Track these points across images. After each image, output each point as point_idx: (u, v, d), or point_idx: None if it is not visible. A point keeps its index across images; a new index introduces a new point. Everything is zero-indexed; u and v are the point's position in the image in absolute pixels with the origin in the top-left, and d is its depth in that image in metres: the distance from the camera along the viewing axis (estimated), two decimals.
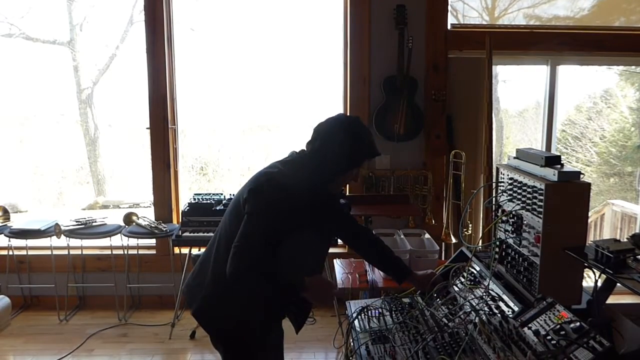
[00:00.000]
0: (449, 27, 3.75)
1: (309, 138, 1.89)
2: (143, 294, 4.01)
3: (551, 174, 1.67)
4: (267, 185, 1.77)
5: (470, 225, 3.67)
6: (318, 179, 1.82)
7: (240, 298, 1.79)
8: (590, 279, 1.72)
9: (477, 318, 1.61)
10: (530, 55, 3.86)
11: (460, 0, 4.06)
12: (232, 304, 1.82)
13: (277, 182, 1.77)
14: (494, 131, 3.65)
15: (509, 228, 1.89)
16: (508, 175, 1.93)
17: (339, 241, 3.47)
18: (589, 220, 2.87)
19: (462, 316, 1.70)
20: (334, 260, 2.83)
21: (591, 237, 5.12)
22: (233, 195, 3.70)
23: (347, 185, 3.85)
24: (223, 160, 6.93)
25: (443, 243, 3.71)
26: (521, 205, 1.80)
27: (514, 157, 1.95)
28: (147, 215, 3.90)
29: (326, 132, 1.83)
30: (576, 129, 5.84)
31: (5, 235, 3.68)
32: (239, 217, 1.76)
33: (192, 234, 3.50)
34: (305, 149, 1.89)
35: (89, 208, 6.99)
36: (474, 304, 1.73)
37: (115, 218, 3.99)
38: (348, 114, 1.85)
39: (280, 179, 1.78)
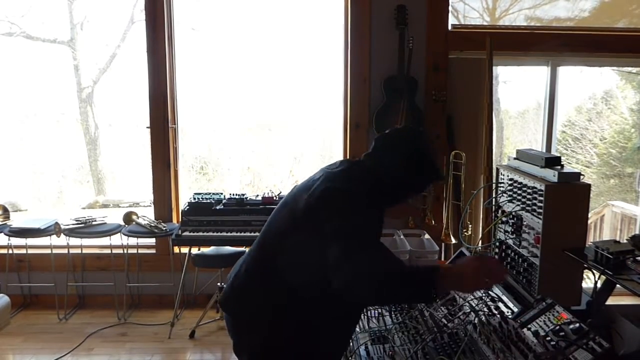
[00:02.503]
0: (449, 27, 3.75)
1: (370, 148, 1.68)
2: (143, 293, 4.01)
3: (551, 175, 1.67)
4: (344, 208, 1.51)
5: (470, 225, 3.67)
6: (384, 201, 1.62)
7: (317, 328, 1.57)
8: (590, 280, 1.73)
9: (476, 319, 1.61)
10: (530, 56, 3.86)
11: (461, 0, 4.06)
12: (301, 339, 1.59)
13: (356, 203, 1.52)
14: (494, 132, 3.65)
15: (509, 229, 1.90)
16: (508, 176, 1.93)
17: None
18: (589, 222, 2.87)
19: (461, 317, 1.70)
20: None
21: (591, 238, 5.11)
22: (233, 194, 3.70)
23: None
24: (223, 160, 6.92)
25: (443, 243, 3.70)
26: (521, 206, 1.80)
27: (514, 158, 1.96)
28: (147, 214, 3.90)
29: (394, 149, 1.63)
30: (576, 130, 5.84)
31: (5, 234, 3.68)
32: (299, 233, 1.55)
33: (192, 234, 3.50)
34: (363, 160, 1.68)
35: (89, 207, 6.98)
36: (474, 305, 1.73)
37: (115, 217, 3.98)
38: (414, 128, 1.61)
39: (357, 199, 1.53)
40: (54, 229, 3.63)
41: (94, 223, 3.79)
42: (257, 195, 3.71)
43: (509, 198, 1.91)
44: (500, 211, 1.99)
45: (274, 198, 3.63)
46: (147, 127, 3.91)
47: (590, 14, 4.21)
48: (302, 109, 5.81)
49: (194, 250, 3.63)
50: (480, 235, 3.67)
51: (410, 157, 1.61)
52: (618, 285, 1.56)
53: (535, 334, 1.45)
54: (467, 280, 1.43)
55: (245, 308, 1.66)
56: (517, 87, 4.98)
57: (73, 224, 3.74)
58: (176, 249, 3.84)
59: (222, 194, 3.75)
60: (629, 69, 5.09)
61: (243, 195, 3.69)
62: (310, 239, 1.50)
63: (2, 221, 3.84)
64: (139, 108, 4.25)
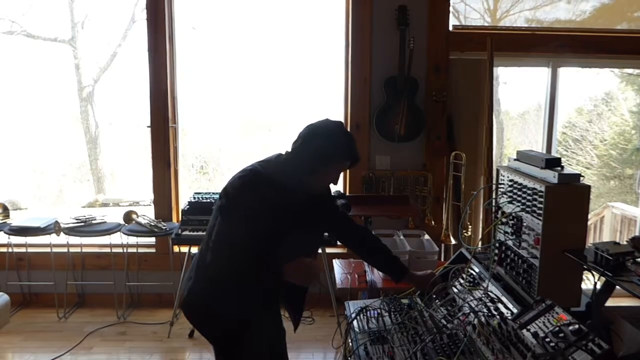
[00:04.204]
0: (450, 28, 3.75)
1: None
2: (142, 292, 4.01)
3: (551, 176, 1.67)
4: (239, 185, 1.80)
5: (469, 226, 3.67)
6: (295, 178, 1.83)
7: (221, 292, 1.83)
8: (590, 282, 1.72)
9: (476, 319, 1.61)
10: (531, 57, 3.86)
11: (461, 1, 4.06)
12: (214, 298, 1.84)
13: (250, 181, 1.79)
14: (495, 133, 3.65)
15: (509, 230, 1.89)
16: (508, 177, 1.93)
17: (339, 242, 3.47)
18: (589, 223, 2.88)
19: (460, 317, 1.70)
20: (334, 261, 2.84)
21: (591, 240, 5.11)
22: None
23: (347, 185, 3.85)
24: (223, 159, 6.93)
25: (442, 244, 3.71)
26: (521, 207, 1.80)
27: (514, 159, 1.95)
28: (147, 213, 3.90)
29: (307, 134, 1.85)
30: (577, 131, 5.84)
31: (5, 233, 3.68)
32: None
33: (191, 233, 3.50)
34: (290, 149, 1.90)
35: (89, 206, 6.99)
36: (473, 306, 1.73)
37: (115, 216, 3.98)
38: (334, 119, 1.84)
39: (254, 178, 1.80)
40: (54, 228, 3.63)
41: (93, 222, 3.79)
42: None
43: (509, 199, 1.91)
44: (500, 212, 1.99)
45: None
46: (148, 126, 3.91)
47: (591, 16, 4.22)
48: (302, 109, 5.81)
49: (194, 250, 3.63)
50: (480, 236, 3.67)
51: (322, 142, 1.81)
52: (617, 287, 1.56)
53: (535, 335, 1.45)
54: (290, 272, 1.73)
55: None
56: (517, 88, 4.98)
57: (73, 223, 3.74)
58: (176, 248, 3.84)
59: None
60: (630, 70, 5.09)
61: None
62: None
63: (2, 220, 3.84)
64: (140, 107, 4.26)
